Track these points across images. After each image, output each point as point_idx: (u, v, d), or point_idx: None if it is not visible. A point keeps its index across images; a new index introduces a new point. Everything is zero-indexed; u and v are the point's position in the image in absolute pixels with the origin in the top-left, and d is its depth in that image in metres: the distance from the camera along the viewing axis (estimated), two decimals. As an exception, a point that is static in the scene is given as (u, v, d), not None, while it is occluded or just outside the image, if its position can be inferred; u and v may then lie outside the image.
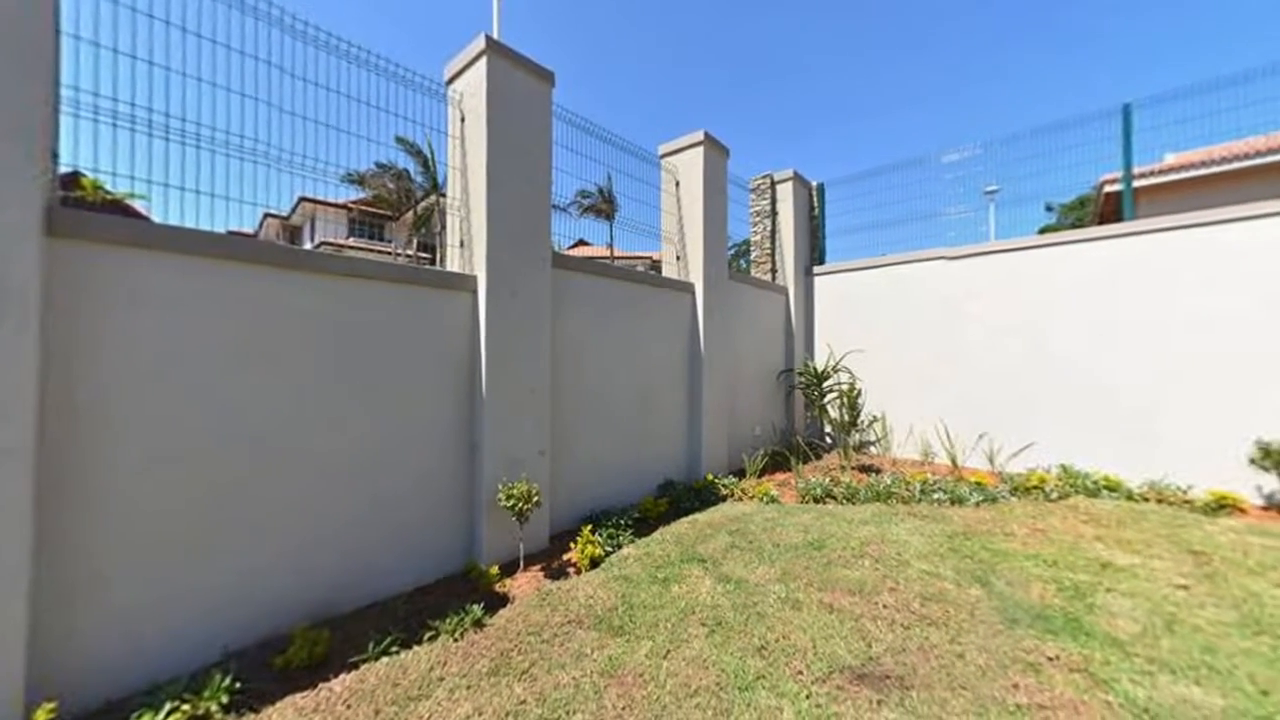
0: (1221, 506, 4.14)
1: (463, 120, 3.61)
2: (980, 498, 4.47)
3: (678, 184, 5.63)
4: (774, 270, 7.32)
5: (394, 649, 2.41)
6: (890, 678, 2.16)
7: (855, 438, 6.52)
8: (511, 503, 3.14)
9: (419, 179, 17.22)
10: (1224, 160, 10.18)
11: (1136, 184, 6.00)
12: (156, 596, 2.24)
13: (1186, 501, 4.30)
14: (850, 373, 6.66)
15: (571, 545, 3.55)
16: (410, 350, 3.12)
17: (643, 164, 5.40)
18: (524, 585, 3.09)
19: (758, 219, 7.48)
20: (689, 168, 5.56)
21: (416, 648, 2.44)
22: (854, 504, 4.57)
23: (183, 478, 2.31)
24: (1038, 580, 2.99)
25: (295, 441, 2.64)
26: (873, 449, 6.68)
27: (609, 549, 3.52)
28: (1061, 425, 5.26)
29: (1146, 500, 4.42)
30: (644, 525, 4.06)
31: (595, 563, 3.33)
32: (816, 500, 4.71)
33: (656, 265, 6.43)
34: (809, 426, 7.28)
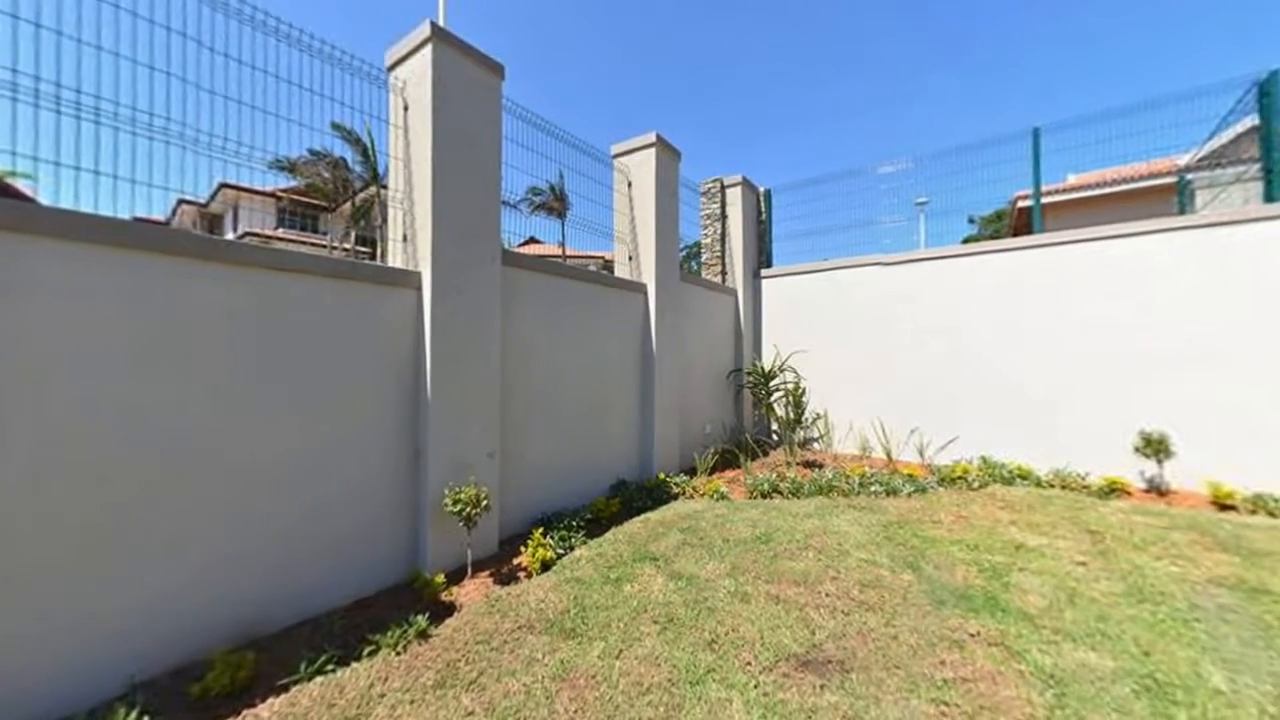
0: (1113, 490, 4.66)
1: (406, 109, 3.45)
2: (912, 489, 4.78)
3: (630, 184, 5.65)
4: (724, 272, 7.50)
5: (329, 667, 2.27)
6: (832, 662, 2.26)
7: (800, 435, 6.80)
8: (459, 508, 3.03)
9: (358, 168, 16.29)
10: (1113, 182, 11.45)
11: (1044, 200, 6.63)
12: (47, 627, 1.99)
13: (1085, 486, 4.80)
14: (795, 372, 6.95)
15: (522, 549, 3.47)
16: (347, 350, 2.95)
17: (596, 163, 5.38)
18: (472, 592, 3.00)
19: (708, 222, 7.64)
20: (641, 169, 5.59)
21: (355, 664, 2.31)
22: (799, 498, 4.77)
23: (77, 491, 2.06)
24: (961, 563, 3.24)
25: (215, 449, 2.42)
26: (816, 445, 6.99)
27: (561, 551, 3.48)
28: (981, 420, 5.73)
29: (1052, 486, 4.90)
30: (597, 526, 4.04)
31: (546, 566, 3.28)
32: (764, 496, 4.86)
33: (609, 265, 6.43)
34: (757, 424, 7.52)
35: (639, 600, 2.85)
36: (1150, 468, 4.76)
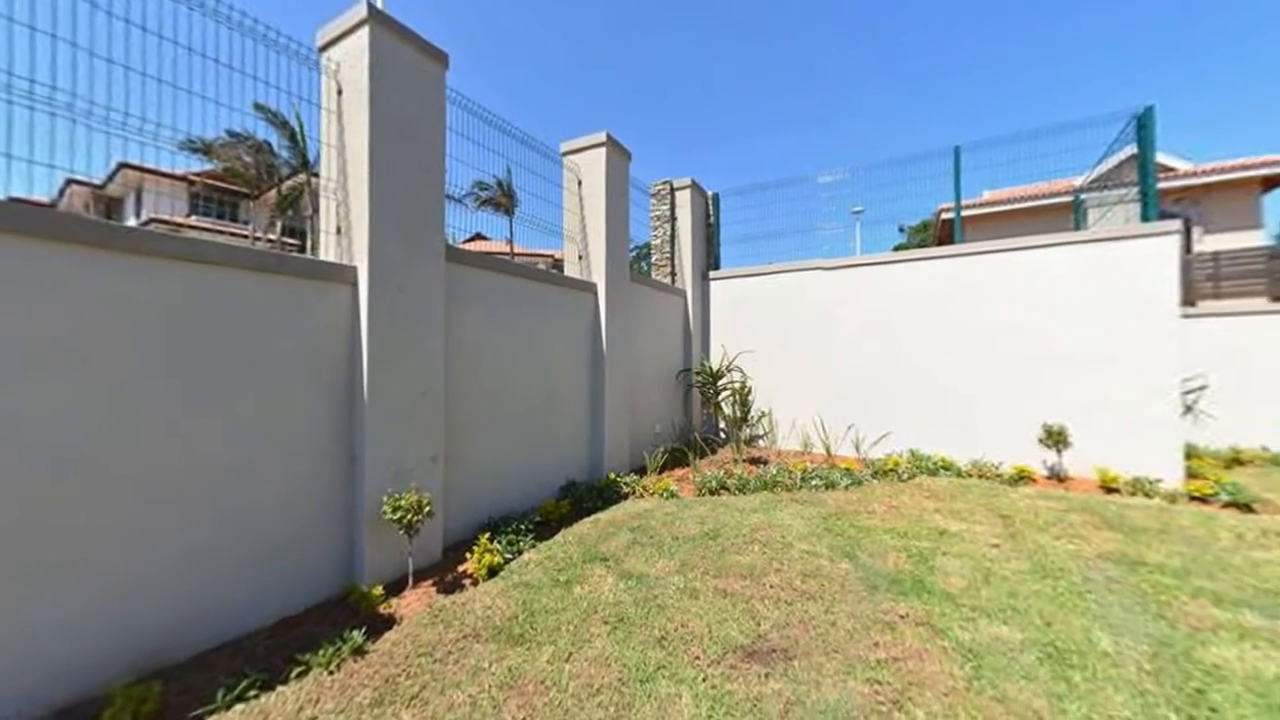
0: (1021, 478, 5.14)
1: (340, 93, 3.24)
2: (849, 482, 5.06)
3: (580, 183, 5.60)
4: (673, 274, 7.61)
5: (252, 693, 2.09)
6: (776, 651, 2.35)
7: (746, 432, 7.01)
8: (399, 515, 2.89)
9: (285, 154, 15.13)
10: (1022, 199, 12.63)
11: (964, 213, 7.23)
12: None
13: (998, 475, 5.26)
14: (742, 372, 7.16)
15: (468, 555, 3.36)
16: (273, 348, 2.73)
17: (545, 160, 5.29)
18: (413, 603, 2.86)
19: (658, 223, 7.72)
20: (591, 167, 5.56)
21: (281, 688, 2.14)
22: (745, 494, 4.91)
23: (-64, 512, 1.78)
24: (892, 550, 3.46)
25: (114, 458, 2.17)
26: (761, 442, 7.23)
27: (509, 556, 3.40)
28: (910, 416, 6.14)
29: (971, 476, 5.34)
30: (546, 528, 3.98)
31: (494, 571, 3.19)
32: (712, 493, 4.98)
33: (559, 263, 6.35)
34: (705, 423, 7.68)
35: (589, 601, 2.83)
36: (1051, 457, 5.29)
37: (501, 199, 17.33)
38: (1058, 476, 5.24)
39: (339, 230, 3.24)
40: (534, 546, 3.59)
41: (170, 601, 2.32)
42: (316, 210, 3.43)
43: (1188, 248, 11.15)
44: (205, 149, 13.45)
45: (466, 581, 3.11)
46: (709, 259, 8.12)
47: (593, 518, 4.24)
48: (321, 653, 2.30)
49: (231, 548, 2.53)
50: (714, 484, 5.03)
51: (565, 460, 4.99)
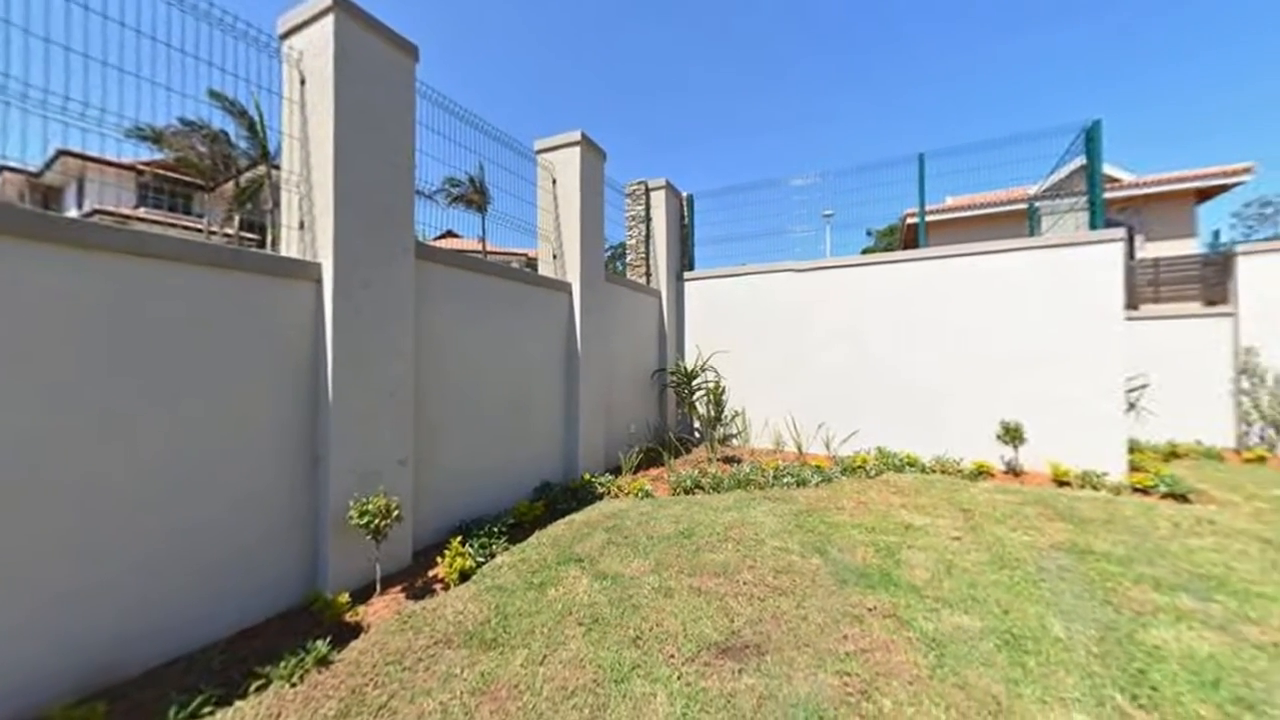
0: (980, 473, 5.37)
1: (303, 83, 3.12)
2: (819, 479, 5.17)
3: (555, 181, 5.56)
4: (648, 274, 7.62)
5: (207, 709, 1.99)
6: (749, 647, 2.39)
7: (720, 431, 7.09)
8: (366, 520, 2.80)
9: (243, 144, 14.48)
10: (982, 206, 13.16)
11: (928, 218, 7.49)
12: None
13: (960, 471, 5.47)
14: (716, 372, 7.23)
15: (439, 560, 3.29)
16: (229, 348, 2.61)
17: (518, 158, 5.23)
18: (381, 610, 2.78)
19: (633, 223, 7.72)
20: (566, 166, 5.52)
21: (239, 703, 2.05)
22: (719, 493, 4.97)
23: None
24: (861, 545, 3.56)
25: (54, 466, 2.04)
26: (735, 441, 7.32)
27: (481, 559, 3.34)
28: (878, 414, 6.33)
29: (935, 472, 5.53)
30: (519, 530, 3.93)
31: (465, 575, 3.13)
32: (687, 492, 5.01)
33: (532, 262, 6.28)
34: (680, 422, 7.72)
35: (564, 603, 2.81)
36: (1009, 452, 5.54)
37: (474, 196, 17.02)
38: (1014, 471, 5.49)
39: (302, 225, 3.12)
40: (507, 549, 3.54)
41: (120, 615, 2.19)
42: (278, 204, 3.29)
43: (1131, 254, 11.85)
44: (155, 137, 12.73)
45: (437, 586, 3.04)
46: (684, 260, 8.17)
47: (567, 519, 4.21)
48: (283, 664, 2.21)
49: (185, 557, 2.41)
50: (689, 483, 5.07)
51: (539, 461, 4.94)
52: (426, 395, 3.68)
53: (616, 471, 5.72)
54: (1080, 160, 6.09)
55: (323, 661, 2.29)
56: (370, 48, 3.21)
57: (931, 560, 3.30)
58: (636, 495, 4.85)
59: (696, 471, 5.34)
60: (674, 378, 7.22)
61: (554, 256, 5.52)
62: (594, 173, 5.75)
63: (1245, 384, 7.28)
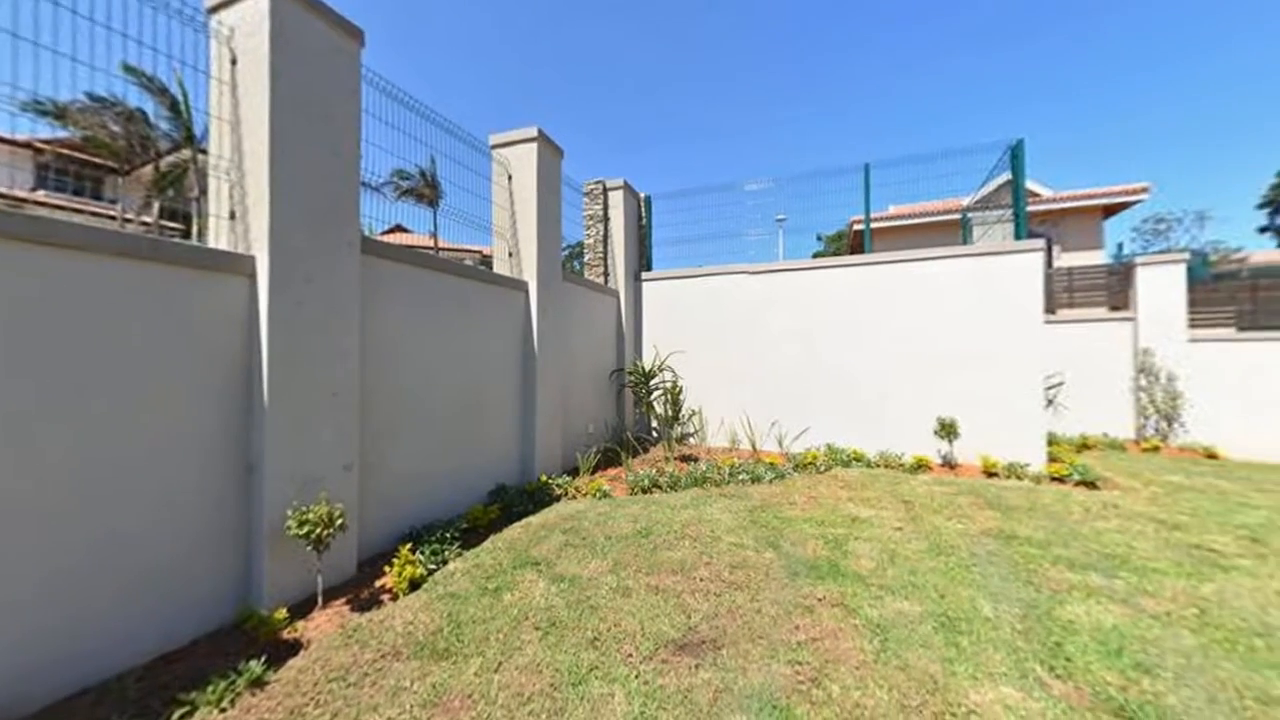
0: (920, 467, 5.71)
1: (234, 62, 2.91)
2: (773, 476, 5.34)
3: (510, 178, 5.44)
4: (606, 274, 7.61)
5: (120, 744, 1.82)
6: (706, 642, 2.43)
7: (678, 431, 7.17)
8: (306, 530, 2.64)
9: (164, 125, 13.31)
10: (921, 215, 13.97)
11: (873, 225, 7.90)
12: None
13: (901, 465, 5.80)
14: (674, 371, 7.31)
15: (387, 569, 3.15)
16: (148, 347, 2.39)
17: (473, 152, 5.08)
18: (324, 625, 2.63)
19: (591, 223, 7.68)
20: (522, 163, 5.42)
21: (159, 733, 1.88)
22: (677, 491, 5.03)
23: None
24: (811, 538, 3.70)
25: (-72, 480, 1.79)
26: (692, 440, 7.43)
27: (433, 566, 3.23)
28: (827, 412, 6.60)
29: (879, 466, 5.83)
30: (473, 535, 3.82)
31: (416, 584, 3.02)
32: (645, 491, 5.04)
33: (487, 260, 6.13)
34: (638, 422, 7.76)
35: (520, 608, 2.76)
36: (945, 447, 5.92)
37: (424, 190, 16.40)
38: (950, 464, 5.87)
39: (233, 215, 2.90)
40: (460, 555, 3.44)
41: (19, 643, 1.95)
42: (205, 191, 3.05)
43: (1049, 263, 12.95)
44: (58, 113, 11.48)
45: (385, 597, 2.91)
46: (642, 260, 8.21)
47: (523, 522, 4.14)
48: (211, 689, 2.05)
49: (97, 575, 2.18)
50: (646, 482, 5.10)
51: (495, 464, 4.83)
52: (375, 397, 3.51)
53: (574, 472, 5.67)
54: (1006, 176, 6.60)
55: (257, 682, 2.14)
56: (311, 29, 3.03)
57: (876, 550, 3.47)
58: (594, 496, 4.83)
59: (654, 471, 5.37)
60: (632, 378, 7.25)
61: (510, 254, 5.41)
62: (551, 170, 5.68)
63: (1143, 381, 8.12)
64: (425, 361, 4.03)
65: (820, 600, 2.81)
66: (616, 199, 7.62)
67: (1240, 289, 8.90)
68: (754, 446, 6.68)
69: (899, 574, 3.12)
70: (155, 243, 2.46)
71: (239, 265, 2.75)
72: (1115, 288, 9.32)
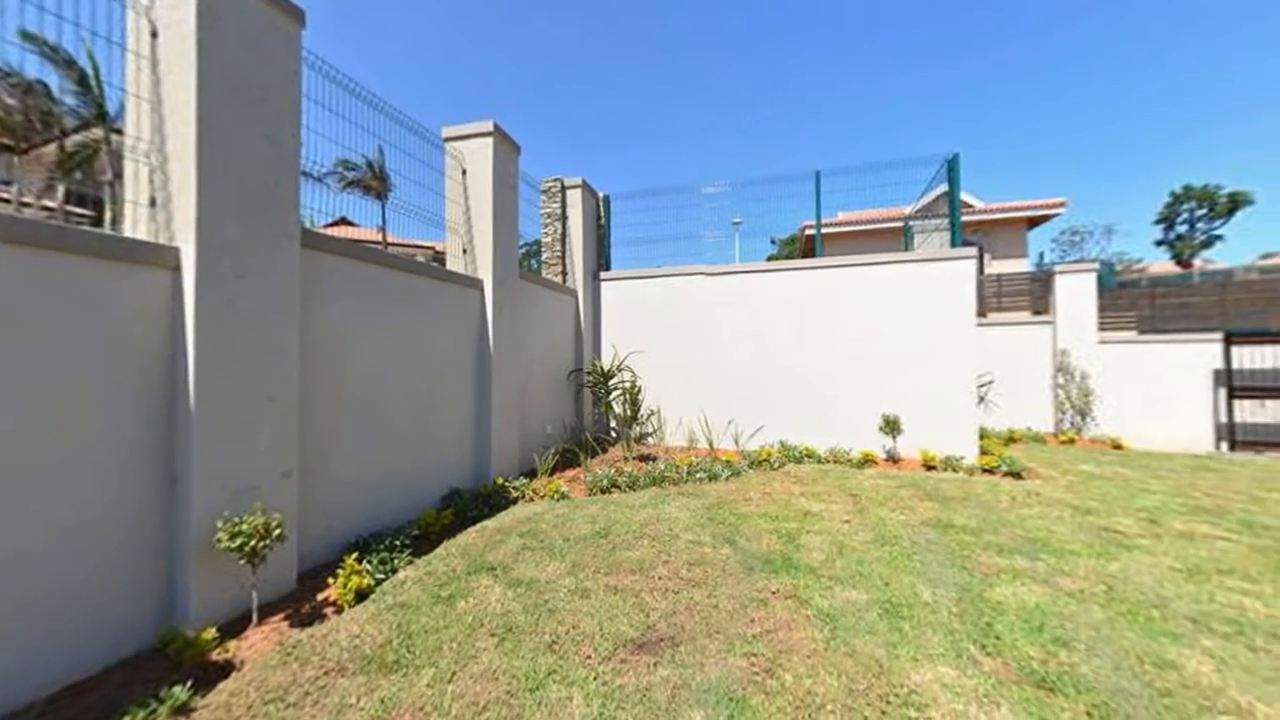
0: (866, 462, 5.99)
1: (154, 35, 2.67)
2: (729, 473, 5.45)
3: (465, 172, 5.29)
4: (564, 273, 7.53)
5: (17, 788, 1.63)
6: (664, 640, 2.45)
7: (636, 430, 7.20)
8: (239, 543, 2.46)
9: (71, 100, 12.06)
10: (869, 221, 14.64)
11: (824, 230, 8.22)
12: None
13: (850, 460, 6.06)
14: (633, 371, 7.33)
15: (330, 581, 2.98)
16: (47, 346, 2.16)
17: (425, 144, 4.90)
18: (259, 643, 2.46)
19: (549, 221, 7.58)
20: (477, 157, 5.28)
21: (65, 773, 1.70)
22: (635, 490, 5.04)
23: None
24: (766, 533, 3.81)
25: None
26: (651, 439, 7.48)
27: (381, 575, 3.09)
28: (781, 410, 6.81)
29: (829, 462, 6.08)
30: (425, 542, 3.69)
31: (363, 595, 2.87)
32: (603, 491, 5.02)
33: (440, 256, 5.93)
34: (597, 422, 7.72)
35: (474, 615, 2.68)
36: (889, 442, 6.24)
37: (372, 182, 15.65)
38: (893, 458, 6.20)
39: (154, 202, 2.67)
40: (411, 563, 3.31)
41: (-124, 687, 1.71)
42: (120, 175, 2.78)
43: (981, 270, 13.93)
44: (-62, 81, 10.16)
45: (329, 610, 2.75)
46: (600, 260, 8.18)
47: (479, 526, 4.03)
48: (127, 719, 1.87)
49: (-16, 604, 1.94)
50: (605, 483, 5.08)
51: (448, 467, 4.67)
52: (318, 399, 3.32)
53: (532, 474, 5.58)
54: (943, 187, 7.03)
55: (181, 710, 1.97)
56: (244, 5, 2.82)
57: (826, 543, 3.62)
58: (553, 498, 4.77)
59: (613, 471, 5.37)
60: (591, 378, 7.21)
61: (464, 251, 5.25)
62: (507, 166, 5.56)
63: (1060, 379, 8.87)
64: (374, 362, 3.85)
65: (774, 593, 2.90)
66: (575, 197, 7.56)
67: (1141, 296, 9.92)
68: (711, 445, 6.80)
69: (847, 564, 3.26)
70: (60, 230, 2.22)
71: (161, 257, 2.53)
72: (1037, 293, 10.14)
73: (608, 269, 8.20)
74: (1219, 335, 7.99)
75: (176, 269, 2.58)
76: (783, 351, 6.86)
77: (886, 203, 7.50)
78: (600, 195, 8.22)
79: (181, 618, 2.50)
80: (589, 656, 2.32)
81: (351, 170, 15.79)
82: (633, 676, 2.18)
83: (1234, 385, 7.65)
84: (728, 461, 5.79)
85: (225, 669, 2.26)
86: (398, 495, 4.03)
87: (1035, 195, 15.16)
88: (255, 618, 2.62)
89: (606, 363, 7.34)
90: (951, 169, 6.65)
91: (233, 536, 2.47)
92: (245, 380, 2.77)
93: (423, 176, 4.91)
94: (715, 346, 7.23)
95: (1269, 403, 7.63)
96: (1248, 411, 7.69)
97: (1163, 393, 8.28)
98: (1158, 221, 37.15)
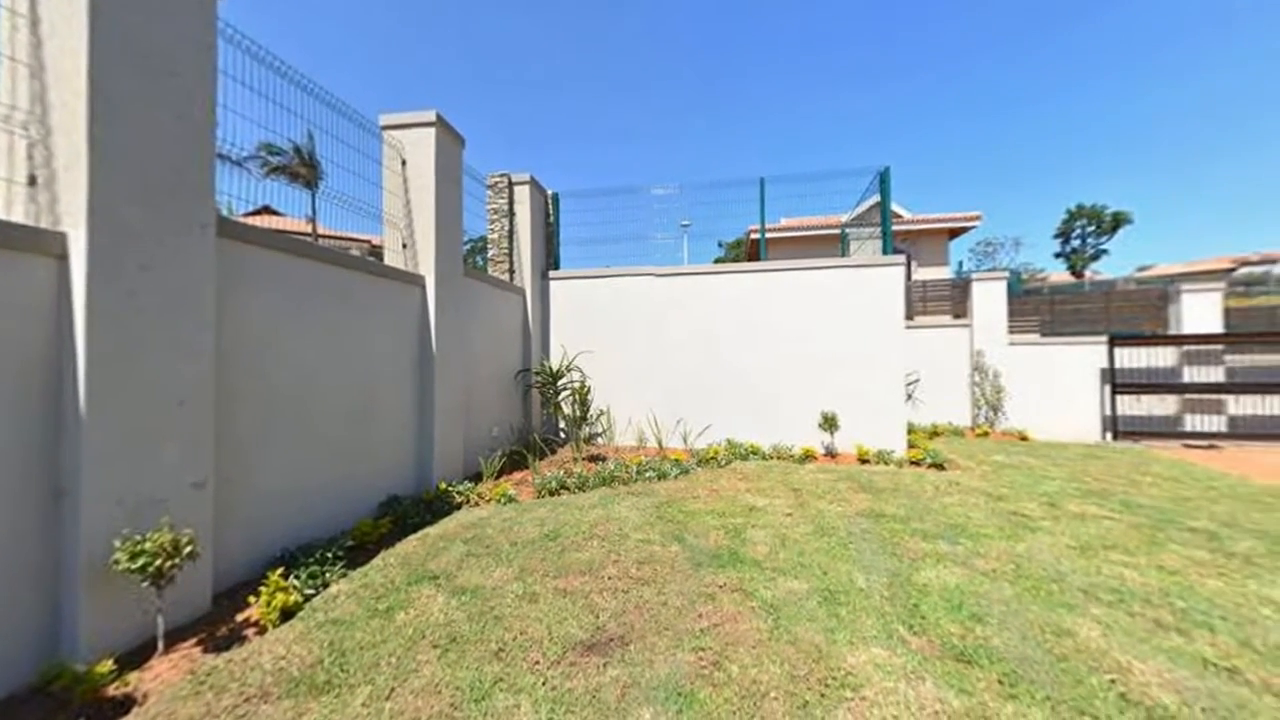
0: (807, 457, 6.27)
1: (35, -9, 2.35)
2: (678, 471, 5.53)
3: (404, 163, 5.04)
4: (512, 271, 7.35)
5: None
6: (614, 640, 2.45)
7: (586, 431, 7.15)
8: (141, 562, 2.22)
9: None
10: (810, 228, 15.32)
11: (768, 235, 8.53)
12: None
13: (792, 456, 6.33)
14: (581, 371, 7.27)
15: (252, 599, 2.75)
16: (-101, 344, 1.84)
17: (361, 131, 4.63)
18: (166, 673, 2.22)
19: (495, 217, 7.38)
20: (418, 148, 5.04)
21: (-84, 841, 1.46)
22: (585, 491, 5.00)
23: None
24: (713, 529, 3.90)
25: None
26: (600, 439, 7.45)
27: (311, 591, 2.88)
28: (728, 409, 7.00)
29: (773, 458, 6.31)
30: (361, 553, 3.48)
31: (290, 613, 2.67)
32: (552, 493, 4.95)
33: (377, 250, 5.61)
34: (545, 423, 7.60)
35: (415, 627, 2.56)
36: (827, 438, 6.57)
37: (300, 169, 14.54)
38: (831, 453, 6.53)
39: (33, 181, 2.35)
40: (345, 576, 3.11)
41: None
42: (-10, 148, 2.42)
43: (909, 276, 14.96)
44: None
45: (250, 631, 2.54)
46: (549, 258, 8.05)
47: (420, 534, 3.85)
48: (0, 772, 1.63)
49: None
50: (554, 484, 5.01)
51: (386, 473, 4.44)
52: (239, 403, 3.05)
53: (477, 478, 5.40)
54: (876, 198, 7.49)
55: (70, 754, 1.75)
56: (149, -34, 2.54)
57: (770, 536, 3.75)
58: (499, 501, 4.64)
59: (562, 472, 5.30)
60: (539, 378, 7.08)
61: (404, 246, 5.01)
62: (451, 158, 5.35)
63: (976, 378, 9.69)
64: (303, 362, 3.59)
65: (721, 587, 2.97)
66: (523, 194, 7.40)
67: (1043, 303, 11.03)
68: (660, 444, 6.88)
69: (790, 556, 3.40)
70: (-91, 209, 1.91)
71: (42, 243, 2.23)
72: (957, 299, 11.03)
73: (557, 268, 8.09)
74: (1104, 338, 9.02)
75: (63, 257, 2.29)
76: (729, 352, 7.05)
77: (826, 210, 7.89)
78: (549, 193, 8.09)
79: (70, 650, 2.22)
80: (537, 662, 2.28)
81: (276, 155, 14.63)
82: (582, 679, 2.16)
83: (1116, 382, 8.67)
84: (677, 460, 5.88)
85: (125, 704, 2.02)
86: (330, 504, 3.78)
87: (955, 208, 16.48)
88: (161, 645, 2.37)
89: (555, 363, 7.24)
90: (883, 181, 7.10)
91: (133, 556, 2.22)
92: (149, 382, 2.50)
93: (358, 165, 4.63)
94: (664, 347, 7.31)
95: (1144, 397, 8.72)
96: (1127, 405, 8.74)
97: (1060, 389, 9.24)
98: (1056, 235, 41.59)
